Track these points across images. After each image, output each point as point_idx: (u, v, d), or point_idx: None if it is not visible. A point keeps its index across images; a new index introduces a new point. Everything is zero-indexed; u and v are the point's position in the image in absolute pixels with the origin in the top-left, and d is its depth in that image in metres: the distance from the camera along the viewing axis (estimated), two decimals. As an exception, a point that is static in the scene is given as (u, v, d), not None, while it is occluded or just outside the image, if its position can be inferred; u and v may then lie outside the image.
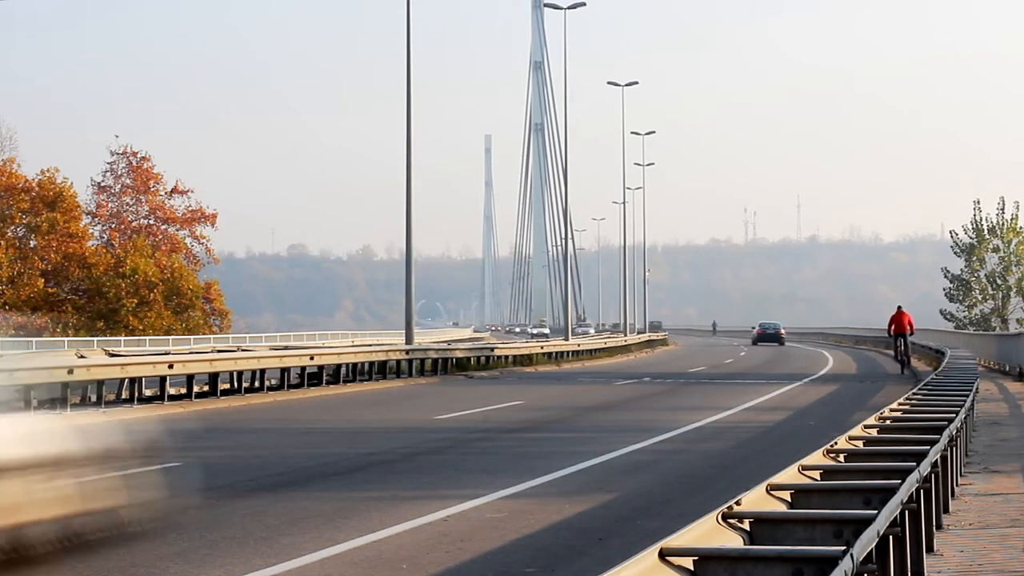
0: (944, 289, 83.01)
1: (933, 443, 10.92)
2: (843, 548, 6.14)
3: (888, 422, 13.29)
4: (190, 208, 78.02)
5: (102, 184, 78.52)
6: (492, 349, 50.56)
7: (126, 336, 60.88)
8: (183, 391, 29.11)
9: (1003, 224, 80.00)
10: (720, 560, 6.14)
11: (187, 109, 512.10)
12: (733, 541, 6.83)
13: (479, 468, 16.94)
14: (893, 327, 45.20)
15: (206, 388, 30.25)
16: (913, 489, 8.91)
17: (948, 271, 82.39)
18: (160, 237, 77.01)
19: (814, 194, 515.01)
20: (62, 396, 25.14)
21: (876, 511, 7.28)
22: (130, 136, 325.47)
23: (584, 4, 64.82)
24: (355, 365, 37.42)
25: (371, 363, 38.18)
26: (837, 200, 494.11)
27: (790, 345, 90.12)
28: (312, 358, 34.50)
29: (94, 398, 26.32)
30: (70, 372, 24.90)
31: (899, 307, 46.98)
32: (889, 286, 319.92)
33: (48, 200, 66.37)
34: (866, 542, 6.67)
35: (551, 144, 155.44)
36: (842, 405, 29.53)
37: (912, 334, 45.62)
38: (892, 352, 49.91)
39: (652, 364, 56.15)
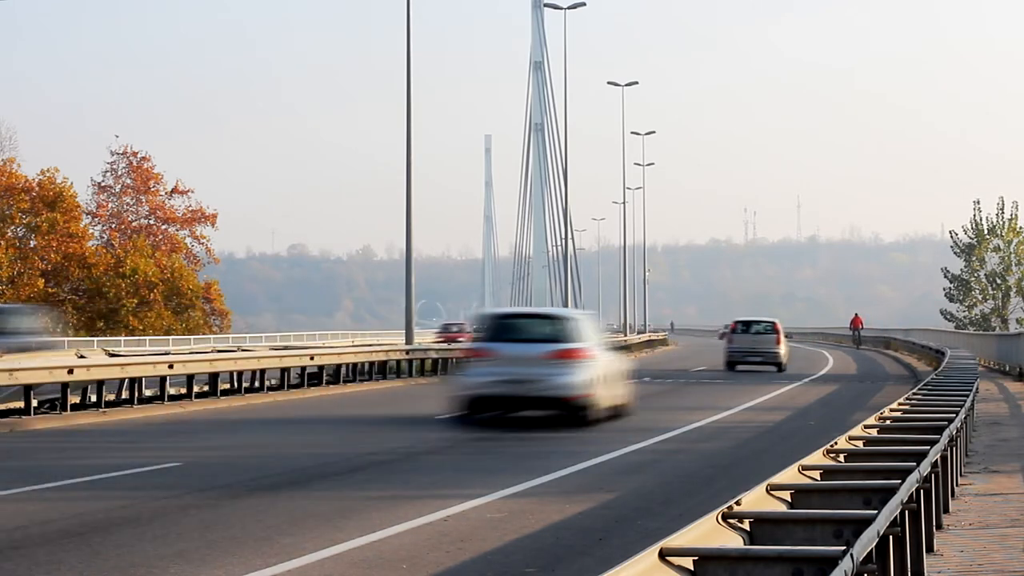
0: (944, 289, 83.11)
1: (933, 443, 10.92)
2: (843, 548, 6.14)
3: (888, 422, 13.30)
4: (190, 208, 78.03)
5: (102, 184, 78.54)
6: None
7: (126, 336, 60.89)
8: (183, 391, 29.09)
9: (1003, 224, 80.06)
10: (720, 560, 6.14)
11: (187, 108, 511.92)
12: (733, 541, 6.84)
13: (479, 468, 16.95)
14: (852, 324, 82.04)
15: (206, 388, 30.23)
16: (913, 489, 8.91)
17: (948, 271, 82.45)
18: (160, 237, 77.01)
19: (814, 194, 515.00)
20: (62, 396, 25.11)
21: (876, 511, 7.28)
22: (130, 136, 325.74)
23: (584, 4, 64.86)
24: (355, 365, 37.41)
25: (371, 363, 38.17)
26: (837, 200, 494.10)
27: (790, 345, 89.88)
28: (312, 358, 34.50)
29: (94, 398, 26.31)
30: (70, 372, 24.88)
31: (856, 313, 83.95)
32: (889, 286, 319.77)
33: (48, 200, 66.35)
34: (866, 542, 6.67)
35: (551, 144, 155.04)
36: (842, 405, 29.54)
37: (863, 328, 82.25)
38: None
39: (652, 364, 56.13)
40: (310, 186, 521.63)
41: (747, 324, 50.13)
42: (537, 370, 23.66)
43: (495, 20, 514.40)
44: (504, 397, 24.01)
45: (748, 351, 48.35)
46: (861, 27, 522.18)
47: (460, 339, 62.69)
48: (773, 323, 49.82)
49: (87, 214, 74.73)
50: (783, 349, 48.65)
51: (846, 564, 5.95)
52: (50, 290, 65.80)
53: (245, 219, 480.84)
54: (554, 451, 19.37)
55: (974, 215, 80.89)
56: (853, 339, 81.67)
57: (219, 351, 35.28)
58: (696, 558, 6.13)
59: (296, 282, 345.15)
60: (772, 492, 8.05)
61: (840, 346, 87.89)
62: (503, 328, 24.91)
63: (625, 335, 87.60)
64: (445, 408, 25.52)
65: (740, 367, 48.11)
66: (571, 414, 23.50)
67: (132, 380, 27.25)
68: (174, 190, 78.08)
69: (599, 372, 24.20)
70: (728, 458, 18.62)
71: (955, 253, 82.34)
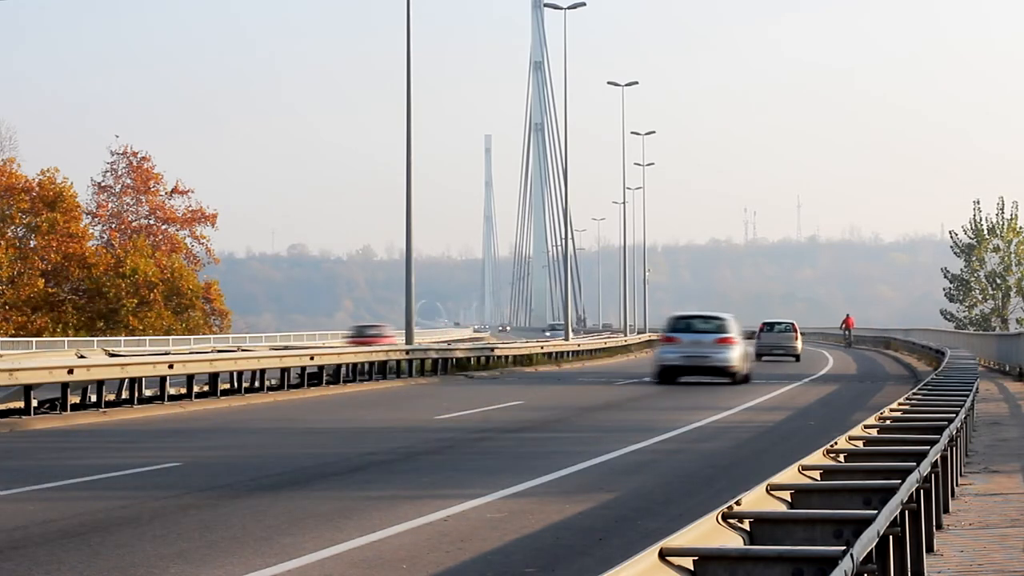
0: (944, 289, 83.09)
1: (933, 443, 10.91)
2: (843, 548, 6.14)
3: (888, 422, 13.29)
4: (190, 208, 78.10)
5: (102, 184, 78.60)
6: (492, 349, 50.53)
7: (126, 336, 60.89)
8: (183, 391, 29.09)
9: (1003, 224, 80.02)
10: (720, 560, 6.14)
11: (187, 108, 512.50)
12: (733, 541, 6.84)
13: (479, 468, 16.94)
14: (844, 324, 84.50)
15: (206, 388, 30.23)
16: (913, 489, 8.91)
17: (948, 271, 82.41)
18: (160, 237, 77.06)
19: (814, 194, 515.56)
20: (62, 396, 25.11)
21: (876, 511, 7.28)
22: (131, 136, 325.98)
23: (584, 4, 64.78)
24: (355, 365, 37.41)
25: (371, 363, 38.17)
26: (837, 200, 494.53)
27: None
28: (312, 358, 34.49)
29: (94, 398, 26.31)
30: (70, 372, 24.88)
31: (847, 314, 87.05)
32: (889, 286, 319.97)
33: (48, 200, 66.37)
34: (866, 542, 6.67)
35: (551, 144, 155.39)
36: (842, 405, 29.53)
37: (853, 328, 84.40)
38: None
39: (652, 364, 56.10)
40: (310, 186, 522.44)
41: (771, 324, 62.28)
42: (706, 350, 37.09)
43: (495, 20, 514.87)
44: (686, 367, 37.40)
45: (773, 345, 59.71)
46: (861, 27, 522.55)
47: (379, 343, 50.18)
48: (791, 324, 62.10)
49: (87, 214, 74.78)
50: (799, 344, 60.57)
51: (846, 564, 5.95)
52: (50, 290, 65.83)
53: (245, 219, 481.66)
54: (554, 451, 19.37)
55: (974, 215, 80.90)
56: (844, 339, 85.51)
57: (219, 351, 35.28)
58: (696, 558, 6.13)
59: (296, 282, 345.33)
60: (772, 492, 8.05)
61: (840, 346, 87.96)
62: (683, 324, 38.40)
63: (625, 335, 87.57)
64: (648, 373, 39.49)
65: (765, 358, 57.07)
66: (727, 377, 36.87)
67: (132, 380, 27.24)
68: (174, 190, 78.13)
69: (741, 352, 37.54)
70: (728, 458, 18.62)
71: (955, 253, 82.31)
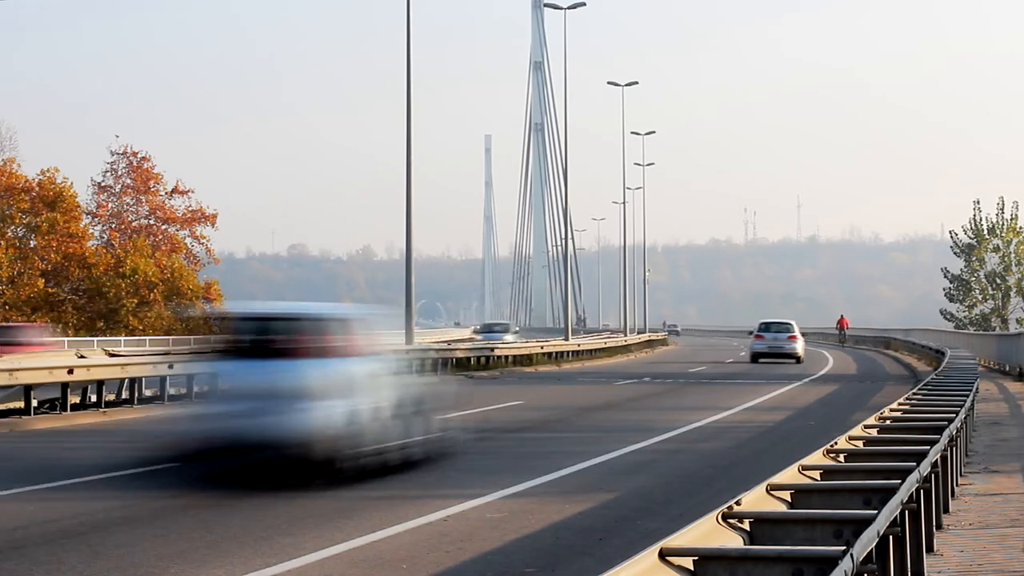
0: (944, 289, 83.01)
1: (933, 443, 10.92)
2: (843, 548, 6.14)
3: (888, 422, 13.30)
4: (190, 208, 77.97)
5: (102, 184, 78.51)
6: (492, 349, 50.55)
7: (126, 336, 60.88)
8: (183, 391, 29.06)
9: (1003, 224, 79.99)
10: (720, 560, 6.14)
11: (187, 108, 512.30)
12: (733, 541, 6.84)
13: (479, 468, 16.95)
14: (838, 324, 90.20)
15: (206, 388, 30.15)
16: (913, 489, 8.91)
17: (948, 271, 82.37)
18: (160, 237, 76.97)
19: (814, 194, 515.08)
20: (62, 396, 25.11)
21: (876, 511, 7.28)
22: (131, 135, 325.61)
23: (584, 4, 64.77)
24: (355, 365, 37.32)
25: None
26: (837, 200, 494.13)
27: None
28: (312, 358, 34.41)
29: (94, 398, 26.30)
30: (70, 372, 24.88)
31: (842, 314, 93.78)
32: (889, 286, 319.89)
33: (48, 200, 66.33)
34: (866, 542, 6.67)
35: (551, 144, 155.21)
36: (842, 405, 29.54)
37: (848, 328, 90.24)
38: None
39: (652, 364, 56.15)
40: (310, 186, 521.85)
41: (770, 324, 72.92)
42: (782, 343, 56.39)
43: (495, 20, 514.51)
44: (769, 353, 55.86)
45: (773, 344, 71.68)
46: (861, 27, 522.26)
47: (13, 352, 39.36)
48: (790, 323, 72.93)
49: (87, 214, 74.68)
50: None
51: (846, 564, 5.95)
52: (50, 290, 65.79)
53: (245, 219, 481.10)
54: (554, 451, 19.37)
55: (974, 215, 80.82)
56: (838, 338, 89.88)
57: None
58: (696, 558, 6.13)
59: (296, 282, 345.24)
60: (772, 492, 8.05)
61: (840, 346, 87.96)
62: (765, 326, 57.96)
63: (625, 335, 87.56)
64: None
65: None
66: (794, 359, 55.04)
67: (132, 380, 27.24)
68: (174, 190, 78.03)
69: (802, 344, 56.88)
70: (728, 458, 18.62)
71: (955, 253, 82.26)
